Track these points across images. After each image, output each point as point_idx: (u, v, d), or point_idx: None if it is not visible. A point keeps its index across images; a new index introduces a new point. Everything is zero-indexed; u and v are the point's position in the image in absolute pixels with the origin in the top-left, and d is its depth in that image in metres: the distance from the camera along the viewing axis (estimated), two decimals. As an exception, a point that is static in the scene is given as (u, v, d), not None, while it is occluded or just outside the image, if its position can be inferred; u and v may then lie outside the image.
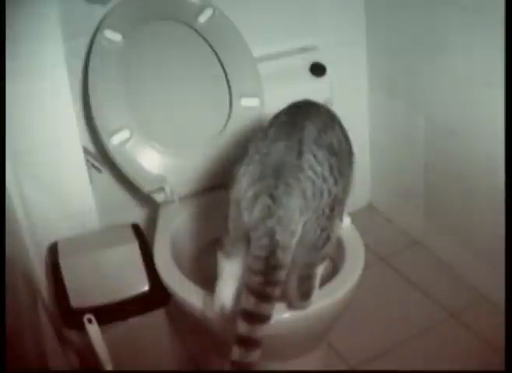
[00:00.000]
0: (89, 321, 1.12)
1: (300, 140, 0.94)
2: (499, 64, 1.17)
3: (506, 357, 0.87)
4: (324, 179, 0.93)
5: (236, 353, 0.88)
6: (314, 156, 0.93)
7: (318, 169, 0.93)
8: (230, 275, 1.01)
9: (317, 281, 1.03)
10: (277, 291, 0.90)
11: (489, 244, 1.48)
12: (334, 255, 1.20)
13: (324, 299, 1.06)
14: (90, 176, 1.31)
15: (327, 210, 0.94)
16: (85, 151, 1.31)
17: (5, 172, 1.07)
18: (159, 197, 1.39)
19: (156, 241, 1.27)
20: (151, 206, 1.54)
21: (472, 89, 1.44)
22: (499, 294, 1.09)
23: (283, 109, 1.08)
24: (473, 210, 1.55)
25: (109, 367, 1.12)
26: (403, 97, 1.72)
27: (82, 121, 1.42)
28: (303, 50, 1.65)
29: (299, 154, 0.92)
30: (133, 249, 1.23)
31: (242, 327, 0.89)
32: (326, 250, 0.99)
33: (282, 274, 0.90)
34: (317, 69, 1.66)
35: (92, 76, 1.32)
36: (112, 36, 1.33)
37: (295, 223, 0.90)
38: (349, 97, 1.76)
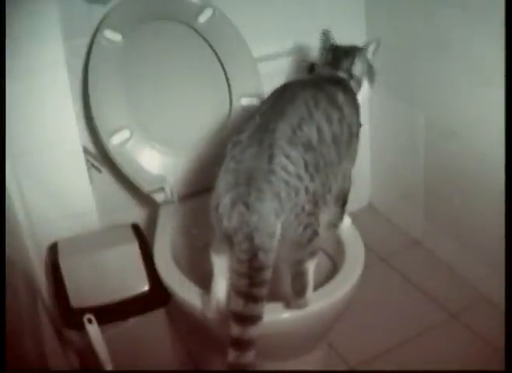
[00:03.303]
0: (89, 321, 1.12)
1: (271, 144, 0.94)
2: (500, 63, 1.17)
3: (506, 357, 0.87)
4: (299, 178, 0.93)
5: (231, 355, 0.90)
6: (287, 157, 0.94)
7: (291, 168, 0.93)
8: (222, 271, 1.02)
9: (311, 277, 1.03)
10: (263, 292, 0.91)
11: (488, 244, 1.48)
12: (332, 250, 1.20)
13: (324, 299, 1.06)
14: (90, 176, 1.31)
15: (308, 207, 0.95)
16: (85, 151, 1.31)
17: (5, 172, 1.07)
18: (159, 197, 1.39)
19: (156, 241, 1.27)
20: (151, 206, 1.54)
21: (472, 89, 1.44)
22: (499, 294, 1.09)
23: (261, 105, 1.07)
24: (473, 211, 1.55)
25: (109, 367, 1.12)
26: (403, 97, 1.72)
27: (82, 121, 1.42)
28: (303, 50, 1.65)
29: (270, 157, 0.93)
30: (133, 249, 1.23)
31: (234, 329, 0.91)
32: (314, 245, 1.00)
33: (266, 274, 0.91)
34: (317, 69, 1.66)
35: (93, 76, 1.32)
36: (112, 36, 1.33)
37: (271, 226, 0.91)
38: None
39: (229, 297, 1.00)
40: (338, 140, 1.04)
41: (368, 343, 1.46)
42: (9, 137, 1.08)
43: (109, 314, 1.16)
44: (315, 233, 0.98)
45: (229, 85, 1.44)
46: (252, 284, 0.90)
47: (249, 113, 1.07)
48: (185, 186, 1.41)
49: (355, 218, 1.27)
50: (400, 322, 1.52)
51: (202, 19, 1.41)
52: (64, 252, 1.22)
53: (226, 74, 1.44)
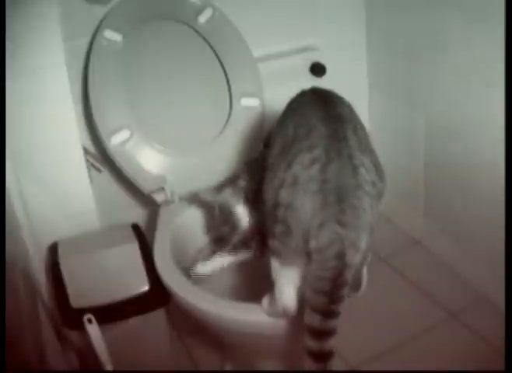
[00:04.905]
0: (89, 321, 1.12)
1: (349, 155, 0.90)
2: (499, 63, 1.17)
3: (506, 357, 0.87)
4: (374, 185, 0.92)
5: (313, 366, 0.87)
6: (363, 165, 0.91)
7: (368, 177, 0.91)
8: (289, 280, 0.97)
9: (365, 274, 1.05)
10: (341, 306, 0.88)
11: (488, 244, 1.48)
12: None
13: (324, 299, 1.06)
14: (90, 176, 1.31)
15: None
16: (85, 151, 1.32)
17: (5, 172, 1.07)
18: (159, 197, 1.39)
19: (156, 241, 1.27)
20: (151, 206, 1.54)
21: (472, 89, 1.43)
22: (499, 295, 1.09)
23: (285, 116, 1.04)
24: (473, 211, 1.55)
25: (109, 367, 1.12)
26: (403, 97, 1.72)
27: (82, 121, 1.42)
28: (303, 50, 1.65)
29: (354, 170, 0.90)
30: (133, 249, 1.23)
31: (311, 343, 0.87)
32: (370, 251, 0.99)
33: (346, 290, 0.88)
34: (317, 69, 1.66)
35: (93, 76, 1.32)
36: (112, 36, 1.33)
37: (364, 241, 0.90)
38: (349, 97, 1.73)
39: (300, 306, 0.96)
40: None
41: (368, 343, 1.46)
42: (9, 137, 1.08)
43: (109, 314, 1.16)
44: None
45: (229, 85, 1.44)
46: (331, 301, 0.86)
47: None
48: (185, 186, 1.41)
49: (355, 218, 1.27)
50: (400, 322, 1.52)
51: (202, 19, 1.41)
52: (64, 252, 1.23)
53: (226, 74, 1.44)
